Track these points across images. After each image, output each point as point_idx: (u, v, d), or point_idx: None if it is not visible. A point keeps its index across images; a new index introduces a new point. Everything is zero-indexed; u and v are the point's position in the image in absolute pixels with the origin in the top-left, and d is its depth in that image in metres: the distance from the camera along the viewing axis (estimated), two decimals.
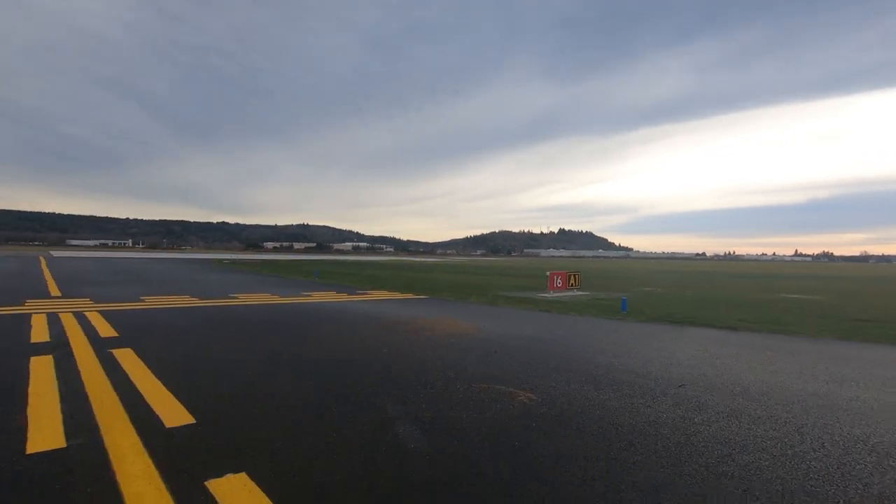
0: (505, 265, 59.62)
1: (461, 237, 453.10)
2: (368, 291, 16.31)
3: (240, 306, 11.34)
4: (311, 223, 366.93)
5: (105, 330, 7.55)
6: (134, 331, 7.55)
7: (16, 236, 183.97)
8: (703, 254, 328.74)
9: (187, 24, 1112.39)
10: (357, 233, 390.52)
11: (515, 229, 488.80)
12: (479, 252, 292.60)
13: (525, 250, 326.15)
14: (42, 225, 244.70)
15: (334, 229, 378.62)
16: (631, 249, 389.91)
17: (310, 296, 14.08)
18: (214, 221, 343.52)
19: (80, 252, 72.61)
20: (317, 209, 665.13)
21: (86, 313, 9.29)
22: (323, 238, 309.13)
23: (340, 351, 6.54)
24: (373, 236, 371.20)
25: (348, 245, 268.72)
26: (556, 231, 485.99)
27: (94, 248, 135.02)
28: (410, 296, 15.23)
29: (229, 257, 57.15)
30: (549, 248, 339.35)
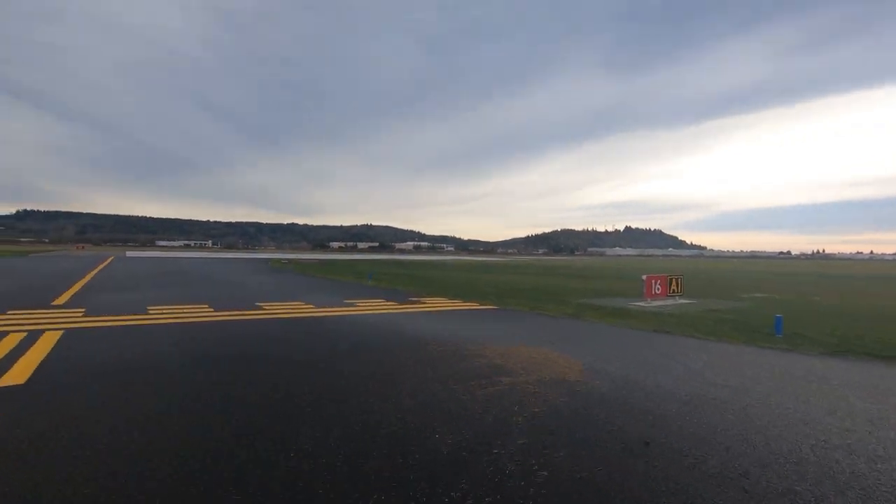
0: (575, 265, 54.78)
1: (522, 236, 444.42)
2: (423, 299, 13.30)
3: (253, 322, 8.69)
4: (374, 223, 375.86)
5: (23, 368, 5.01)
6: (61, 373, 4.95)
7: (113, 238, 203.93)
8: (788, 252, 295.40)
9: (255, 36, 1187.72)
10: (418, 232, 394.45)
11: (578, 227, 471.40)
12: (540, 251, 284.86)
13: (589, 249, 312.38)
14: (135, 227, 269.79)
15: (396, 229, 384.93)
16: (704, 248, 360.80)
17: (353, 305, 11.28)
18: (285, 223, 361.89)
19: (158, 252, 76.96)
20: (379, 209, 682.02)
21: (47, 332, 6.97)
22: (385, 238, 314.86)
23: (349, 440, 3.40)
24: (433, 235, 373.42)
25: (409, 244, 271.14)
26: (621, 229, 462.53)
27: (178, 248, 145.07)
28: (475, 305, 12.03)
29: (288, 257, 57.20)
30: (614, 247, 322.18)
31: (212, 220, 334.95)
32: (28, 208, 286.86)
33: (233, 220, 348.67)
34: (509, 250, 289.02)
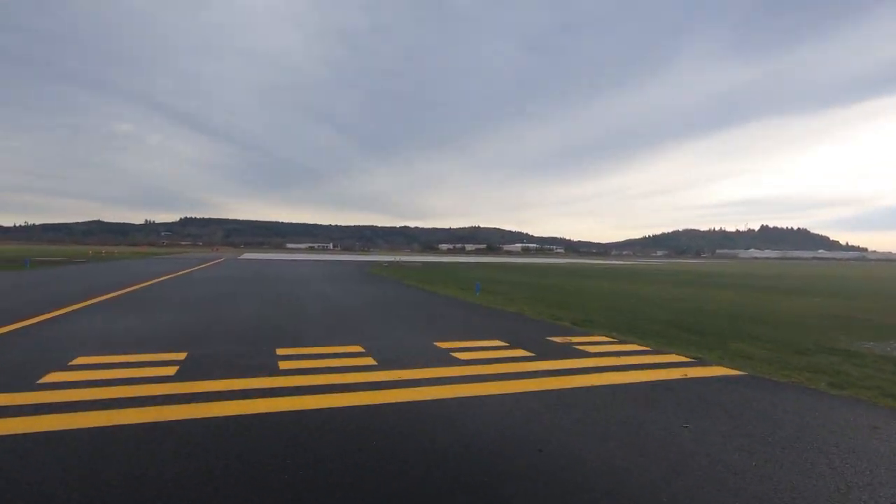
0: (727, 271, 43.50)
1: (637, 237, 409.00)
2: (573, 339, 7.30)
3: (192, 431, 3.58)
4: (482, 225, 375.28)
5: None
6: None
7: (250, 241, 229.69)
8: None
9: (367, 52, 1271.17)
10: (526, 234, 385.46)
11: (703, 227, 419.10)
12: (658, 253, 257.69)
13: (717, 251, 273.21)
14: (270, 231, 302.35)
15: (503, 231, 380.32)
16: (865, 250, 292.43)
17: (446, 360, 5.78)
18: (398, 226, 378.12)
19: (277, 253, 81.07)
20: (486, 212, 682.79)
21: None
22: (493, 239, 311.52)
23: None
24: (542, 237, 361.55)
25: (517, 246, 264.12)
26: (755, 228, 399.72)
27: (303, 250, 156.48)
28: (676, 357, 5.97)
29: (390, 259, 54.74)
30: (749, 249, 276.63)
31: (333, 224, 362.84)
32: (189, 216, 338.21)
33: (352, 223, 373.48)
34: (624, 252, 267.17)
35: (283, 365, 5.38)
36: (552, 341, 7.22)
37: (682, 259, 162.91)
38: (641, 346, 6.97)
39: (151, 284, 15.21)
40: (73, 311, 9.02)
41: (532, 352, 6.42)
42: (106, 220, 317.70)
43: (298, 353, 5.96)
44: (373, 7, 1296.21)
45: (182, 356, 5.62)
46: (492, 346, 6.75)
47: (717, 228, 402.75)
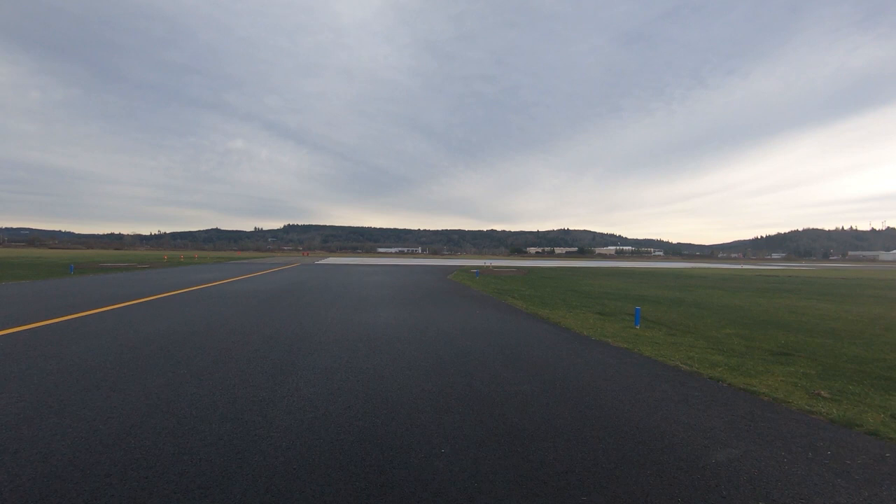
0: None
1: (747, 238, 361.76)
2: None
3: None
4: (571, 228, 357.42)
5: None
6: None
7: (345, 245, 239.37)
8: None
9: (455, 59, 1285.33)
10: (619, 236, 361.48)
11: (827, 226, 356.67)
12: (775, 255, 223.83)
13: (849, 253, 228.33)
14: (363, 236, 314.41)
15: (594, 233, 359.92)
16: None
17: None
18: (485, 229, 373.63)
19: (363, 258, 78.83)
20: (575, 214, 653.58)
21: None
22: (583, 242, 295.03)
23: None
24: (636, 239, 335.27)
25: (611, 249, 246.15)
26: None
27: (393, 254, 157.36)
28: None
29: (479, 264, 48.07)
30: (891, 250, 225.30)
31: (422, 228, 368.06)
32: (291, 223, 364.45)
33: (439, 228, 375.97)
34: (732, 254, 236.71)
35: None
36: None
37: (816, 262, 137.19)
38: None
39: (116, 308, 10.49)
40: None
41: None
42: (223, 227, 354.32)
43: None
44: (459, 16, 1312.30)
45: None
46: None
47: (845, 227, 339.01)
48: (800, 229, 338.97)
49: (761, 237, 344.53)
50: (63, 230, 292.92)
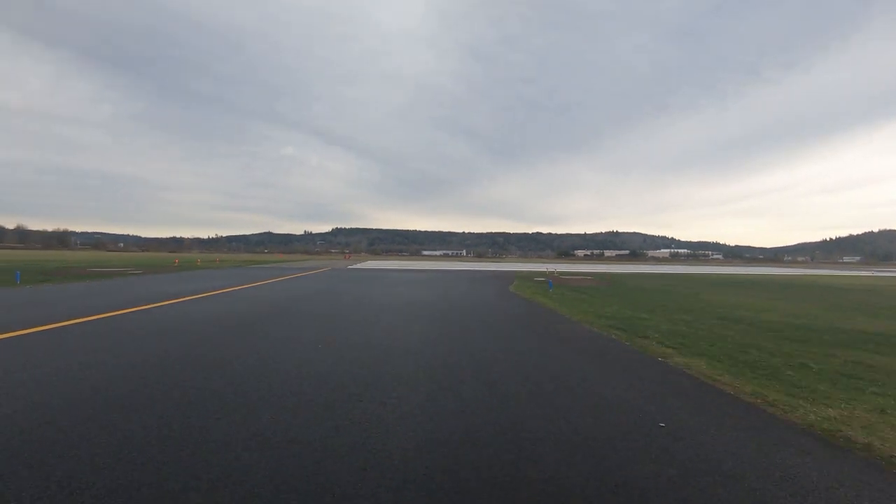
0: None
1: (814, 240, 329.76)
2: None
3: None
4: (620, 230, 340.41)
5: None
6: None
7: (391, 248, 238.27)
8: None
9: (497, 62, 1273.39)
10: (672, 238, 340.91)
11: None
12: (845, 259, 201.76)
13: None
14: (408, 239, 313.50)
15: (645, 235, 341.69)
16: None
17: None
18: (530, 232, 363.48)
19: (406, 262, 73.77)
20: (623, 215, 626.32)
21: None
22: (633, 244, 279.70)
23: None
24: (690, 242, 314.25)
25: (664, 252, 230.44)
26: None
27: (437, 257, 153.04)
28: None
29: (540, 268, 40.79)
30: None
31: (466, 231, 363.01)
32: (339, 226, 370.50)
33: (484, 230, 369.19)
34: (800, 258, 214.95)
35: None
36: None
37: (890, 268, 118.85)
38: None
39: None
40: None
41: None
42: (274, 231, 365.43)
43: None
44: (500, 19, 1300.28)
45: None
46: None
47: None
48: (874, 231, 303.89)
49: (830, 239, 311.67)
50: (130, 234, 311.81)
